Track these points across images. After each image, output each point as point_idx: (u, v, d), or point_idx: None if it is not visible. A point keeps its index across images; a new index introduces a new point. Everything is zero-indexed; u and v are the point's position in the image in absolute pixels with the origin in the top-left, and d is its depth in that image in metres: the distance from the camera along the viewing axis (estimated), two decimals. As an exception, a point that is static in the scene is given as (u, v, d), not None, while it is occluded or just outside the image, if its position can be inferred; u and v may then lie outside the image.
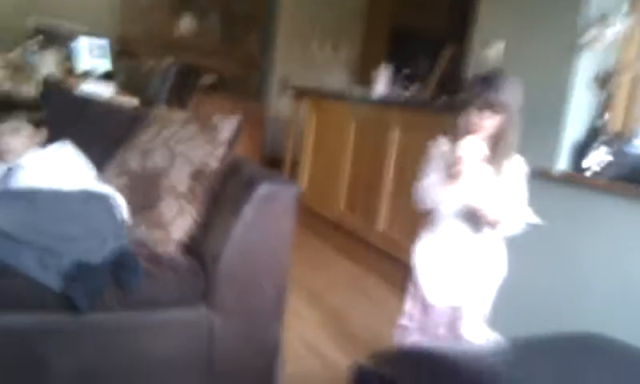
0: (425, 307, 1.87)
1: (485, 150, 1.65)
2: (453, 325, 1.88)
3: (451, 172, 1.64)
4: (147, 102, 3.38)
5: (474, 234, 1.76)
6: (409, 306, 1.91)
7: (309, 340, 2.50)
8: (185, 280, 1.66)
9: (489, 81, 1.68)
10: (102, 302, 1.51)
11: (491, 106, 1.63)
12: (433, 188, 1.72)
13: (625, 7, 2.22)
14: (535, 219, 1.70)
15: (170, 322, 1.65)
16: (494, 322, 2.51)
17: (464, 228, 1.76)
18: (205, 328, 1.66)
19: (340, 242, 3.89)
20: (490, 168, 1.70)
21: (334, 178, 4.08)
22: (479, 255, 1.78)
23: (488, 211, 1.66)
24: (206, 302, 1.66)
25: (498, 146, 1.68)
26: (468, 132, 1.66)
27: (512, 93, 1.66)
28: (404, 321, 1.92)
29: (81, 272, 1.47)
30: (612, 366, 1.21)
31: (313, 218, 4.20)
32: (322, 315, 2.81)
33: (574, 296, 2.25)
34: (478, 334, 1.87)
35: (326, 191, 4.19)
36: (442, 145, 1.78)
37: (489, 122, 1.65)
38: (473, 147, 1.62)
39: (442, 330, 1.88)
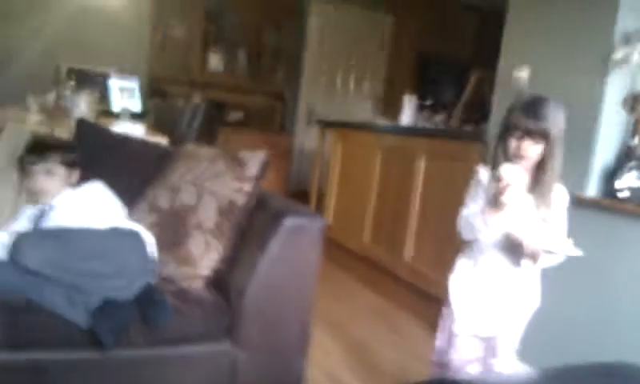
0: (451, 338, 1.82)
1: (526, 179, 1.60)
2: (484, 358, 1.83)
3: (494, 201, 1.58)
4: (177, 140, 3.44)
5: (514, 267, 1.70)
6: (440, 340, 1.86)
7: (333, 373, 2.47)
8: (210, 316, 1.67)
9: (530, 107, 1.62)
10: (128, 339, 1.52)
11: (532, 134, 1.59)
12: (474, 218, 1.65)
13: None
14: (576, 252, 1.60)
15: (195, 357, 1.65)
16: (528, 352, 2.45)
17: (503, 260, 1.71)
18: (229, 363, 1.66)
19: (365, 274, 3.87)
20: (532, 198, 1.64)
21: (359, 209, 4.08)
22: (515, 287, 1.73)
23: (529, 244, 1.61)
24: (231, 337, 1.67)
25: (540, 176, 1.63)
26: (508, 160, 1.62)
27: (554, 119, 1.60)
28: (436, 357, 1.87)
29: (108, 309, 1.49)
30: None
31: (338, 250, 4.19)
32: (347, 348, 2.78)
33: (606, 324, 2.18)
34: (509, 367, 1.82)
35: (352, 223, 4.18)
36: (481, 174, 1.73)
37: (530, 151, 1.60)
38: (514, 176, 1.55)
39: (472, 363, 1.83)
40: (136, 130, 3.60)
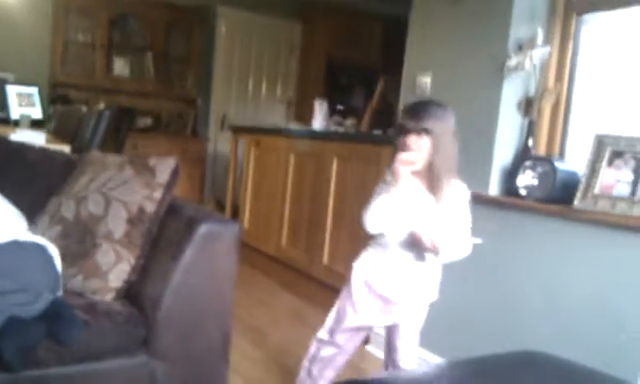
0: (341, 321, 1.94)
1: (419, 160, 1.75)
2: (387, 350, 1.97)
3: (392, 177, 1.75)
4: (81, 148, 3.31)
5: (417, 262, 1.82)
6: (332, 321, 1.97)
7: (255, 379, 2.46)
8: (123, 329, 1.61)
9: (411, 109, 1.82)
10: (37, 358, 1.44)
11: (415, 132, 1.75)
12: (377, 208, 1.78)
13: (540, 37, 2.36)
14: (474, 239, 1.81)
15: (111, 372, 1.59)
16: (436, 344, 2.56)
17: (407, 255, 1.82)
18: (147, 376, 1.62)
19: (283, 277, 3.89)
20: (429, 196, 1.78)
21: (275, 213, 4.09)
22: (415, 279, 1.85)
23: (428, 238, 1.73)
24: (148, 349, 1.62)
25: (431, 172, 1.77)
26: (402, 151, 1.78)
27: (436, 119, 1.76)
28: (323, 335, 1.98)
29: (13, 328, 1.40)
30: (552, 382, 1.25)
31: (255, 255, 4.18)
32: (268, 352, 2.78)
33: (507, 315, 2.32)
34: (411, 357, 1.94)
35: (268, 227, 4.19)
36: (387, 175, 1.85)
37: (415, 145, 1.75)
38: (407, 156, 1.74)
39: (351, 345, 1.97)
40: (36, 138, 3.41)
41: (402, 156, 1.74)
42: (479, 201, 2.45)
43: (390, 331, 1.96)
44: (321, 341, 1.99)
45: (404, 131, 1.77)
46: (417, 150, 1.75)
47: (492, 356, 1.35)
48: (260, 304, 3.50)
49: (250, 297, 3.53)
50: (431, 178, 1.77)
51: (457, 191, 1.81)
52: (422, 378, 1.30)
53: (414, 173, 1.77)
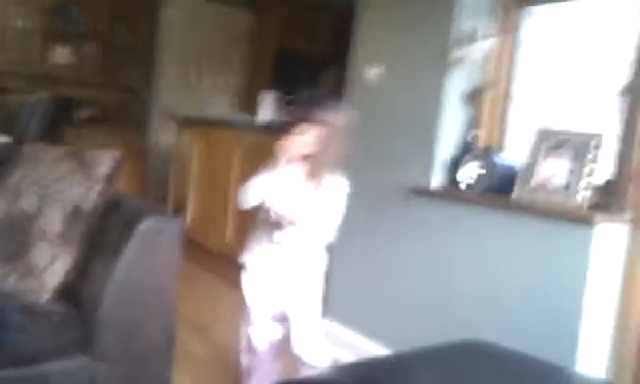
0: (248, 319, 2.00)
1: (302, 146, 1.82)
2: (283, 337, 1.99)
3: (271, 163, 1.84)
4: (16, 139, 3.17)
5: (277, 238, 1.86)
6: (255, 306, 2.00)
7: (200, 378, 2.42)
8: (61, 330, 1.55)
9: (307, 98, 1.90)
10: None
11: (306, 120, 1.81)
12: (251, 185, 1.87)
13: (482, 31, 2.40)
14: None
15: (49, 376, 1.52)
16: (377, 334, 2.60)
17: (273, 235, 1.87)
18: (88, 378, 1.56)
19: (229, 273, 3.82)
20: (305, 181, 1.85)
21: (220, 208, 4.02)
22: (296, 263, 1.89)
23: (277, 213, 1.81)
24: (88, 350, 1.56)
25: (315, 160, 1.83)
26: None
27: (330, 112, 1.83)
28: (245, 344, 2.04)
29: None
30: (495, 370, 1.28)
31: (200, 251, 4.11)
32: (213, 350, 2.74)
33: (450, 305, 2.36)
34: (310, 346, 1.95)
35: (213, 222, 4.11)
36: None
37: (306, 132, 1.81)
38: (290, 141, 1.82)
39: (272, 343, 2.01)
40: (-32, 130, 3.25)
41: (285, 140, 1.81)
42: (422, 193, 2.49)
43: (283, 327, 1.99)
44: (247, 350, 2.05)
45: (297, 119, 1.83)
46: (307, 137, 1.81)
47: (436, 346, 1.38)
48: (204, 300, 3.45)
49: (195, 293, 3.47)
50: (313, 166, 1.83)
51: (335, 184, 1.86)
52: (369, 371, 1.31)
53: (300, 158, 1.84)
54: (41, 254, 1.70)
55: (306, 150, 1.82)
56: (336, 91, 3.58)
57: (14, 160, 2.04)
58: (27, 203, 1.83)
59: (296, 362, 1.96)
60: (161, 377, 1.72)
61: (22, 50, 5.47)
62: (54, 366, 1.54)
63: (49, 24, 5.53)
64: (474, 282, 2.28)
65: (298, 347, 1.94)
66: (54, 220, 1.75)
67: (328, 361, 2.00)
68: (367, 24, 2.92)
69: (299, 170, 1.86)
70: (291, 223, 1.80)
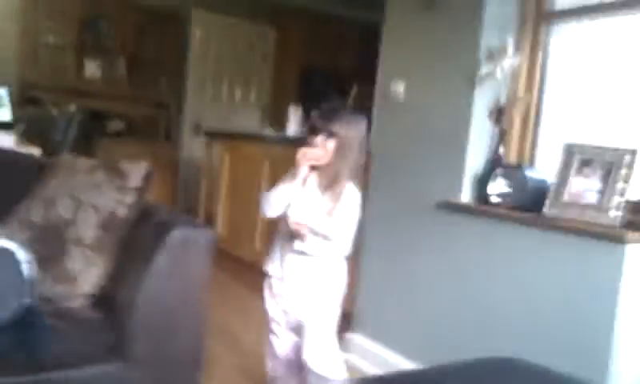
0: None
1: (320, 157, 1.86)
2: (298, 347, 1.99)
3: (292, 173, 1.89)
4: (51, 151, 3.24)
5: (296, 247, 1.88)
6: (271, 312, 2.04)
7: (230, 385, 2.44)
8: (95, 335, 1.58)
9: (323, 111, 1.92)
10: (7, 366, 1.40)
11: (322, 132, 1.86)
12: (271, 195, 1.93)
13: (511, 47, 2.40)
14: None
15: (82, 380, 1.55)
16: (408, 349, 2.58)
17: (292, 244, 1.90)
18: (119, 383, 1.59)
19: (258, 283, 3.84)
20: (321, 192, 1.89)
21: (250, 218, 4.06)
22: (302, 273, 1.91)
23: (294, 222, 1.84)
24: (120, 356, 1.59)
25: (329, 171, 1.87)
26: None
27: (343, 124, 1.88)
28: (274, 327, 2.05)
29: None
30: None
31: (230, 261, 4.15)
32: (243, 359, 2.75)
33: (481, 321, 2.34)
34: (322, 357, 1.94)
35: (243, 232, 4.17)
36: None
37: (320, 143, 1.86)
38: (308, 152, 1.87)
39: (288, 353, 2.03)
40: (5, 141, 3.34)
41: (303, 150, 1.86)
42: (451, 208, 2.49)
43: (299, 337, 1.99)
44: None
45: (314, 131, 1.87)
46: (322, 149, 1.85)
47: (464, 362, 1.37)
48: (234, 309, 3.48)
49: (225, 302, 3.50)
50: (329, 177, 1.87)
51: (349, 195, 1.89)
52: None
53: (317, 169, 1.88)
54: (76, 259, 1.74)
55: (321, 161, 1.87)
56: (362, 106, 3.61)
57: (49, 170, 2.09)
58: (63, 211, 1.87)
59: (307, 372, 1.96)
60: (190, 383, 1.73)
61: (53, 65, 5.61)
62: (87, 371, 1.56)
63: (79, 39, 5.66)
64: (504, 298, 2.26)
65: (309, 357, 1.94)
66: (88, 227, 1.79)
67: (343, 374, 2.00)
68: (393, 39, 2.94)
69: (316, 180, 1.90)
70: (308, 233, 1.83)
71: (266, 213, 1.95)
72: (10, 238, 1.80)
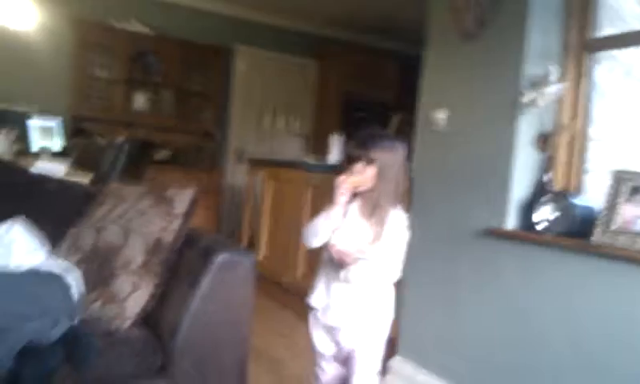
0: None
1: (359, 183, 1.84)
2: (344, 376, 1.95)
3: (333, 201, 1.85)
4: (101, 179, 3.36)
5: (342, 277, 1.82)
6: (318, 345, 1.99)
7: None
8: (140, 355, 1.62)
9: (358, 138, 1.89)
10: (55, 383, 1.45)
11: (359, 159, 1.84)
12: (313, 224, 1.89)
13: (554, 75, 2.38)
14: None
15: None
16: (453, 374, 2.53)
17: (338, 273, 1.85)
18: (163, 405, 1.61)
19: (301, 309, 3.85)
20: (364, 219, 1.85)
21: (292, 244, 4.09)
22: (351, 302, 1.86)
23: (337, 251, 1.80)
24: (164, 376, 1.62)
25: (371, 197, 1.85)
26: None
27: (384, 150, 1.85)
28: (319, 360, 2.01)
29: (32, 353, 1.42)
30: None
31: (272, 287, 4.18)
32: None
33: (527, 349, 2.28)
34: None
35: (285, 258, 4.19)
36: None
37: (359, 170, 1.83)
38: (346, 179, 1.84)
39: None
40: (57, 170, 3.48)
41: (342, 177, 1.84)
42: (496, 235, 2.45)
43: (346, 368, 1.96)
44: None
45: (353, 159, 1.85)
46: (362, 175, 1.83)
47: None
48: (278, 335, 3.49)
49: (268, 328, 3.52)
50: (371, 203, 1.84)
51: (395, 219, 1.86)
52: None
53: (359, 197, 1.86)
54: (124, 282, 1.79)
55: (362, 188, 1.85)
56: (403, 134, 3.62)
57: (100, 197, 2.17)
58: (112, 236, 1.93)
59: None
60: (233, 407, 1.75)
61: (103, 98, 5.83)
62: (132, 391, 1.60)
63: (129, 73, 5.88)
64: (551, 326, 2.20)
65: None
66: (136, 252, 1.84)
67: None
68: (433, 69, 2.95)
69: (358, 207, 1.88)
70: (354, 261, 1.79)
71: (309, 243, 1.91)
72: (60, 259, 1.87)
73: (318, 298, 1.93)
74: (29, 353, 1.43)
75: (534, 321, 2.28)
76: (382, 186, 1.84)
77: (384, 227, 1.83)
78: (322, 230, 1.87)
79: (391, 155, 1.86)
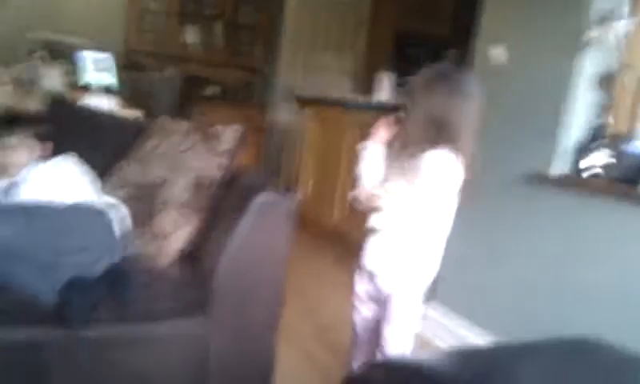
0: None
1: (392, 128, 1.79)
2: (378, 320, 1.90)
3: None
4: (151, 114, 3.40)
5: (373, 223, 1.78)
6: (356, 287, 1.95)
7: (305, 350, 2.48)
8: (181, 291, 1.65)
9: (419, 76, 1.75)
10: (98, 317, 1.50)
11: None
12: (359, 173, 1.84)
13: (626, 8, 2.20)
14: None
15: (167, 334, 1.64)
16: (492, 323, 2.50)
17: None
18: (201, 339, 1.65)
19: (338, 252, 3.88)
20: (405, 158, 1.74)
21: (334, 185, 4.07)
22: (390, 250, 1.80)
23: (366, 194, 1.76)
24: (203, 313, 1.65)
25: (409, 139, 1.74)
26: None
27: (425, 85, 1.72)
28: (355, 301, 1.97)
29: (76, 287, 1.47)
30: (608, 372, 1.18)
31: (313, 227, 4.20)
32: (319, 325, 2.79)
33: (569, 298, 2.23)
34: (398, 338, 1.85)
35: (326, 199, 4.19)
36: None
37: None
38: (384, 123, 1.81)
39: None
40: (110, 104, 3.54)
41: (381, 122, 1.80)
42: (543, 180, 2.35)
43: (379, 317, 1.90)
44: (353, 307, 2.01)
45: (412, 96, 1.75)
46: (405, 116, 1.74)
47: (542, 341, 1.29)
48: (314, 276, 3.51)
49: (305, 269, 3.54)
50: (410, 145, 1.73)
51: (430, 161, 1.67)
52: (470, 361, 1.26)
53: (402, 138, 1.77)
54: (166, 220, 1.82)
55: (402, 130, 1.76)
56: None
57: (148, 132, 2.18)
58: (156, 173, 1.96)
59: (378, 347, 1.88)
60: (266, 346, 1.78)
61: (155, 31, 5.84)
62: (172, 325, 1.65)
63: (181, 6, 5.84)
64: (597, 276, 2.13)
65: (386, 334, 1.85)
66: (179, 189, 1.86)
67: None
68: (492, 1, 2.78)
69: (397, 148, 1.79)
70: (383, 205, 1.73)
71: (356, 187, 1.84)
72: (110, 195, 1.91)
73: (363, 242, 1.89)
74: (73, 287, 1.48)
75: (579, 270, 2.21)
76: (411, 122, 1.71)
77: (417, 169, 1.68)
78: (361, 174, 1.82)
79: (428, 90, 1.70)
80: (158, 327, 1.62)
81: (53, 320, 1.45)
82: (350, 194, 1.78)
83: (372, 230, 1.82)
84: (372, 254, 1.84)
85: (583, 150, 2.26)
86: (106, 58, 3.86)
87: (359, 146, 1.85)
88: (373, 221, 1.78)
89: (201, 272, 1.70)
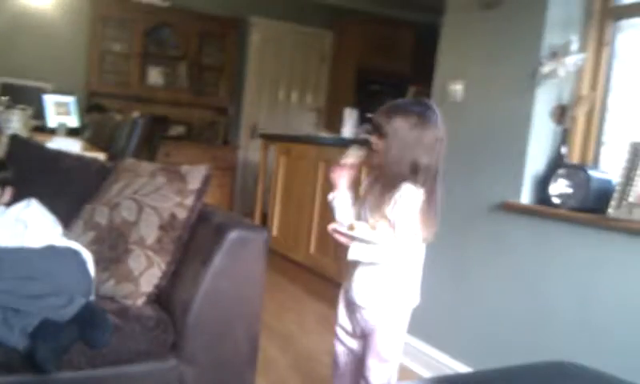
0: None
1: (362, 156, 1.81)
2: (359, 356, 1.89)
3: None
4: (115, 156, 3.37)
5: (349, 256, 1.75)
6: (339, 319, 1.94)
7: (283, 383, 2.46)
8: (153, 333, 1.63)
9: (379, 109, 1.76)
10: (70, 361, 1.47)
11: (376, 131, 1.73)
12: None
13: (575, 45, 2.32)
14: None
15: (140, 376, 1.62)
16: (462, 352, 2.53)
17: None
18: (176, 380, 1.63)
19: (312, 285, 3.89)
20: (378, 197, 1.75)
21: (304, 221, 4.10)
22: (370, 281, 1.79)
23: (335, 230, 1.71)
24: (176, 353, 1.64)
25: (382, 170, 1.74)
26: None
27: (396, 120, 1.70)
28: (337, 333, 1.96)
29: (47, 331, 1.44)
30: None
31: (284, 263, 4.20)
32: (296, 359, 2.78)
33: (539, 324, 2.27)
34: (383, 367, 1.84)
35: (297, 235, 4.20)
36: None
37: (375, 144, 1.74)
38: (354, 152, 1.82)
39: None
40: (72, 146, 3.50)
41: (341, 162, 1.81)
42: (511, 209, 2.43)
43: (363, 346, 1.89)
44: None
45: (375, 129, 1.75)
46: (377, 149, 1.73)
47: (521, 366, 1.33)
48: (288, 310, 3.52)
49: (279, 303, 3.54)
50: (378, 178, 1.77)
51: (404, 194, 1.69)
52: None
53: (375, 171, 1.79)
54: (137, 260, 1.80)
55: (374, 161, 1.76)
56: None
57: (114, 174, 2.17)
58: (126, 213, 1.94)
59: (362, 378, 1.86)
60: (244, 382, 1.76)
61: (118, 73, 5.84)
62: (145, 367, 1.62)
63: (143, 47, 5.86)
64: (565, 301, 2.18)
65: (370, 365, 1.83)
66: (149, 229, 1.85)
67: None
68: (451, 39, 2.89)
69: (369, 183, 1.82)
70: (348, 241, 1.69)
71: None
72: (76, 239, 1.89)
73: (344, 274, 1.90)
74: (45, 329, 1.45)
75: (547, 296, 2.26)
76: (388, 160, 1.70)
77: (392, 203, 1.70)
78: (335, 214, 1.83)
79: (402, 124, 1.70)
80: (130, 369, 1.59)
81: (23, 365, 1.42)
82: (330, 227, 1.73)
83: (354, 263, 1.80)
84: (358, 286, 1.81)
85: (547, 178, 2.34)
86: (68, 99, 3.84)
87: (329, 197, 1.87)
88: (354, 254, 1.73)
89: (173, 312, 1.69)
